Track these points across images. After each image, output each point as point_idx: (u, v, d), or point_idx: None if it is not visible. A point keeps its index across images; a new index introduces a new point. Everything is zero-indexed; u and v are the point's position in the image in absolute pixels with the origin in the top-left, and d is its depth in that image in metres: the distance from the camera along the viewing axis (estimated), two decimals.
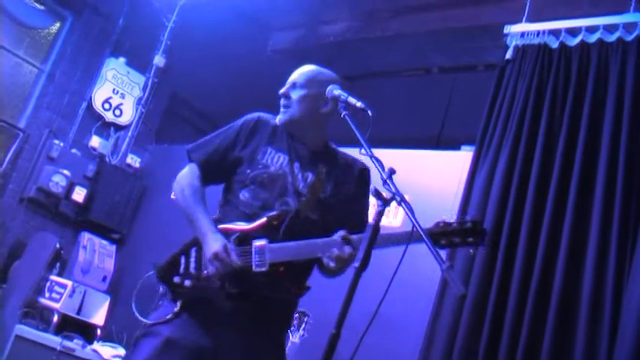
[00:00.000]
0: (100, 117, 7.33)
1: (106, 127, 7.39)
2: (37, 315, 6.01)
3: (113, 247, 6.88)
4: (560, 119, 4.36)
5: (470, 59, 6.99)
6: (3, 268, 6.52)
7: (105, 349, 5.75)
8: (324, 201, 2.93)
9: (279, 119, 3.03)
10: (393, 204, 2.40)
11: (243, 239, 2.82)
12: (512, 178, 4.28)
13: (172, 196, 2.95)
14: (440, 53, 7.24)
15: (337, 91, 2.87)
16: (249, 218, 2.88)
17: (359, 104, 2.77)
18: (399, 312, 4.30)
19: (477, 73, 6.99)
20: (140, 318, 2.93)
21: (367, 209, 3.08)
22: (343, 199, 2.99)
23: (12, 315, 5.83)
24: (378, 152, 2.61)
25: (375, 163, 2.52)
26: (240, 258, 2.77)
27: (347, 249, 2.67)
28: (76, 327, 6.08)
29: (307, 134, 3.03)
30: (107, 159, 7.29)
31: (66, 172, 6.85)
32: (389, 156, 2.64)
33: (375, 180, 2.51)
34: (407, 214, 2.35)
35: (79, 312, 6.19)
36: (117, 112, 7.41)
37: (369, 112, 2.69)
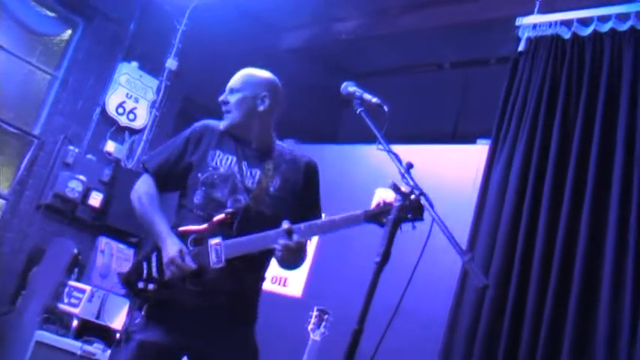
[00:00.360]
0: (114, 122, 7.34)
1: (120, 132, 7.40)
2: (57, 320, 6.04)
3: (131, 251, 6.90)
4: (575, 109, 4.35)
5: (482, 53, 6.98)
6: (22, 274, 6.56)
7: None
8: (273, 195, 3.08)
9: (222, 125, 3.21)
10: None
11: (200, 239, 2.97)
12: (529, 170, 4.28)
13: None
14: (451, 48, 7.24)
15: (352, 88, 2.92)
16: (204, 220, 3.02)
17: (374, 100, 2.82)
18: (419, 305, 4.30)
19: (490, 66, 6.98)
20: (111, 326, 3.09)
21: (318, 199, 3.26)
22: (292, 192, 3.15)
23: (32, 321, 5.86)
24: (394, 148, 2.62)
25: (393, 157, 2.57)
26: (196, 259, 2.92)
27: (295, 237, 2.81)
28: (96, 331, 6.11)
29: (251, 134, 3.18)
30: (122, 163, 7.31)
31: (82, 177, 6.87)
32: (404, 151, 2.64)
33: (394, 175, 2.53)
34: (426, 208, 2.37)
35: (98, 316, 6.21)
36: (131, 116, 7.43)
37: (385, 107, 2.72)
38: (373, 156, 4.95)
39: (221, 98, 3.25)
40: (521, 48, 4.77)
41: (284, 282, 5.48)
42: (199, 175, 3.09)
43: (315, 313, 4.31)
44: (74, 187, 6.80)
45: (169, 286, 2.96)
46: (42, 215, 6.85)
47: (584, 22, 4.59)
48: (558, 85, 4.46)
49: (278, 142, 3.26)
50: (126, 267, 6.65)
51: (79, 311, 6.04)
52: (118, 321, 6.31)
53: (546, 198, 4.14)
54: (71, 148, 6.97)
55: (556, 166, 4.21)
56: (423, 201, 2.41)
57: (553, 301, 3.91)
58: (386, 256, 2.36)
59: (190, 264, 2.90)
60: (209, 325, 2.97)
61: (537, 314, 3.96)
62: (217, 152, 3.14)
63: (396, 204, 2.43)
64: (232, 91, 3.23)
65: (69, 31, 7.43)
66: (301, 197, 3.17)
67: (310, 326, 4.28)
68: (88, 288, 6.16)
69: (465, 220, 4.39)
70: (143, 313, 2.97)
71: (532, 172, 4.26)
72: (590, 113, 4.28)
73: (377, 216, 2.66)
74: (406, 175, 2.47)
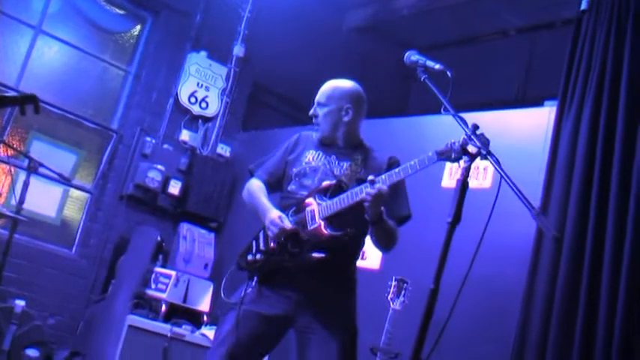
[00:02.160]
0: (188, 111, 7.54)
1: (194, 121, 7.60)
2: (146, 305, 6.28)
3: (212, 236, 7.11)
4: None
5: (547, 17, 6.90)
6: (110, 263, 6.83)
7: (213, 333, 5.95)
8: (359, 180, 3.24)
9: (315, 136, 3.58)
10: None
11: (299, 209, 3.31)
12: (598, 127, 4.20)
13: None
14: (516, 14, 7.17)
15: (415, 57, 3.03)
16: (296, 202, 3.37)
17: (437, 66, 2.92)
18: (495, 272, 4.33)
19: (556, 29, 6.89)
20: (225, 299, 3.43)
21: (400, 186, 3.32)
22: None
23: (123, 306, 6.10)
24: (462, 116, 2.68)
25: (458, 120, 2.66)
26: (295, 224, 3.25)
27: (377, 186, 2.98)
28: (184, 314, 6.33)
29: (339, 139, 3.51)
30: (198, 151, 7.51)
31: (160, 167, 7.09)
32: (472, 119, 2.68)
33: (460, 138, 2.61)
34: (494, 166, 2.43)
35: (184, 300, 6.44)
36: (203, 104, 7.62)
37: (448, 72, 2.81)
38: (441, 125, 4.97)
39: (311, 112, 3.55)
40: (583, 6, 4.66)
41: (362, 255, 5.56)
42: (293, 169, 3.49)
43: (393, 283, 4.40)
44: (154, 176, 7.02)
45: (275, 254, 3.30)
46: (125, 206, 7.10)
47: None
48: (624, 40, 4.34)
49: (365, 143, 3.54)
50: (209, 251, 6.89)
51: (167, 296, 6.28)
52: (203, 303, 6.53)
53: (618, 154, 4.06)
54: (148, 139, 7.19)
55: (626, 121, 4.11)
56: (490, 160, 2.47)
57: (629, 260, 3.86)
58: (457, 216, 2.44)
59: (289, 224, 3.24)
60: (313, 291, 3.25)
61: (615, 274, 3.91)
62: (310, 151, 3.52)
63: (464, 165, 2.51)
64: (319, 104, 3.53)
65: (138, 27, 7.65)
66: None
67: (390, 296, 4.37)
68: (173, 273, 6.39)
69: (537, 182, 4.38)
70: (253, 283, 3.34)
71: (602, 128, 4.17)
72: None
73: (446, 152, 2.73)
74: (472, 137, 2.54)
